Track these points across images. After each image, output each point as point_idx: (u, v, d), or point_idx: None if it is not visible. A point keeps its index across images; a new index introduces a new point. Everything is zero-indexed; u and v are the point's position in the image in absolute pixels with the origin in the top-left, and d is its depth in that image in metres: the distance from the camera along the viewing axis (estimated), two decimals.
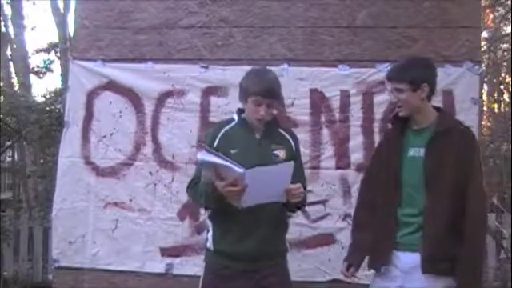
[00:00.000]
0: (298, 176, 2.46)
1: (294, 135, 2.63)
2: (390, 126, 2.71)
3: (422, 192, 2.37)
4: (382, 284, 2.44)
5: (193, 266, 3.43)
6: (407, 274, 2.36)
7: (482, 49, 6.15)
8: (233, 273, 2.42)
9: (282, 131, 2.57)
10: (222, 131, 2.51)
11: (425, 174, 2.36)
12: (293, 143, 2.55)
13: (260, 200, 2.30)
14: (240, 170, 2.18)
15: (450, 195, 2.32)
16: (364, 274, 2.66)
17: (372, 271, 2.54)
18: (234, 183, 2.21)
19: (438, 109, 2.50)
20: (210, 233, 2.52)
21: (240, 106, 2.59)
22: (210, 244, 2.51)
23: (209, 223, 2.54)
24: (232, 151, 2.42)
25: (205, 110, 3.60)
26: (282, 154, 2.46)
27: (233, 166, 2.18)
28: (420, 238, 2.34)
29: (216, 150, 2.38)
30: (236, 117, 2.56)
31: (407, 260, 2.36)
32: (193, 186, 2.50)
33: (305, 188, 2.52)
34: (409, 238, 2.37)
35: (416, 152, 2.41)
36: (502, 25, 8.51)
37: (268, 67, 3.47)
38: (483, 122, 7.75)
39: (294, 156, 2.50)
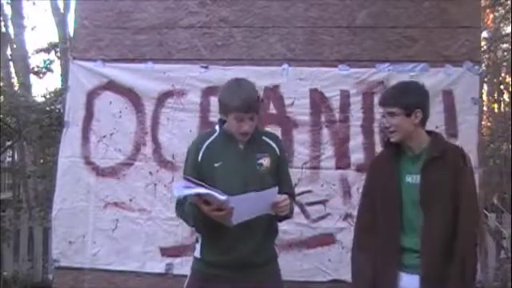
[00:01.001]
0: (284, 181, 2.47)
1: (276, 138, 2.59)
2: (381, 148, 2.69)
3: (419, 218, 2.37)
4: None
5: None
6: None
7: (482, 49, 6.14)
8: (219, 281, 2.40)
9: (264, 138, 2.52)
10: (205, 145, 2.47)
11: (420, 199, 2.36)
12: (277, 148, 2.51)
13: (249, 216, 2.31)
14: (223, 197, 2.18)
15: (445, 220, 2.32)
16: None
17: None
18: (220, 208, 2.21)
19: (430, 133, 2.47)
20: (199, 243, 2.50)
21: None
22: (197, 253, 2.50)
23: (197, 234, 2.52)
24: (216, 164, 2.41)
25: (205, 110, 3.60)
26: (266, 161, 2.43)
27: (215, 195, 2.18)
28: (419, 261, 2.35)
29: (200, 166, 2.40)
30: (218, 128, 2.53)
31: (413, 281, 2.35)
32: (180, 205, 2.45)
33: (291, 194, 2.51)
34: (413, 261, 2.37)
35: (413, 179, 2.39)
36: (502, 25, 8.50)
37: (268, 67, 3.54)
38: (483, 122, 7.73)
39: (279, 161, 2.48)
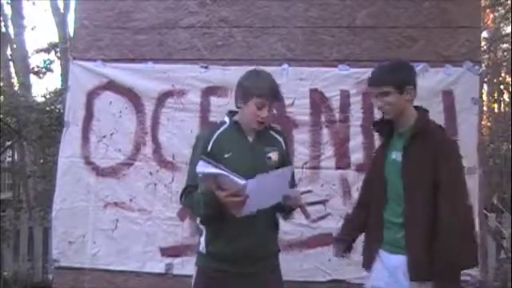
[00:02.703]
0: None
1: (282, 134, 2.60)
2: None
3: (401, 195, 2.38)
4: (373, 283, 2.47)
5: (193, 266, 3.42)
6: (392, 275, 2.37)
7: (482, 49, 6.15)
8: (224, 276, 2.40)
9: (272, 133, 2.54)
10: (215, 136, 2.46)
11: (402, 177, 2.37)
12: (283, 143, 2.53)
13: (258, 207, 2.30)
14: (242, 181, 2.17)
15: (427, 198, 2.30)
16: (364, 274, 2.66)
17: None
18: (236, 193, 2.19)
19: (418, 110, 2.47)
20: (203, 236, 2.49)
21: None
22: (202, 247, 2.49)
23: (202, 227, 2.51)
24: (226, 155, 2.40)
25: (205, 110, 3.60)
26: (274, 156, 2.44)
27: (235, 178, 2.17)
28: (402, 239, 2.35)
29: (209, 155, 2.37)
30: (227, 119, 2.51)
31: (391, 261, 2.38)
32: (187, 194, 2.44)
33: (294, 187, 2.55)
34: (392, 239, 2.39)
35: (397, 155, 2.41)
36: (502, 25, 8.51)
37: (268, 67, 3.53)
38: (483, 122, 7.74)
39: (284, 156, 2.50)
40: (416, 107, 2.46)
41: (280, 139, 2.53)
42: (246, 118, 2.43)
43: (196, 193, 2.35)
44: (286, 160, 2.50)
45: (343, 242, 2.61)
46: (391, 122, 2.47)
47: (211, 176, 2.20)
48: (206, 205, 2.30)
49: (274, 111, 2.48)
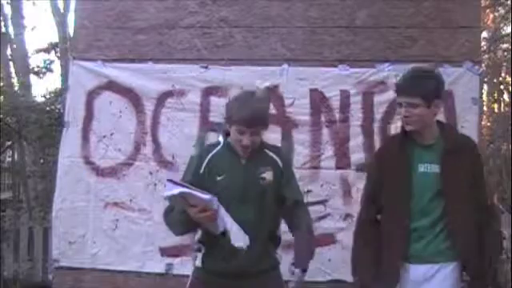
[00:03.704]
0: (291, 190, 2.47)
1: (279, 152, 2.55)
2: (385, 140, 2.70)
3: (434, 204, 2.38)
4: None
5: (193, 266, 3.43)
6: (419, 285, 2.36)
7: (482, 49, 6.15)
8: (220, 284, 2.41)
9: (267, 151, 2.49)
10: (209, 156, 2.45)
11: (443, 188, 2.37)
12: (279, 161, 2.47)
13: (235, 224, 2.31)
14: (206, 196, 2.19)
15: (470, 205, 2.38)
16: None
17: None
18: (205, 209, 2.21)
19: (438, 122, 2.48)
20: (201, 252, 2.49)
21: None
22: (198, 262, 2.50)
23: (200, 244, 2.51)
24: (218, 178, 2.40)
25: (205, 109, 3.60)
26: (269, 175, 2.41)
27: (199, 194, 2.19)
28: (437, 247, 2.37)
29: (202, 176, 2.39)
30: (222, 140, 2.51)
31: (420, 272, 2.37)
32: (168, 213, 2.45)
33: (300, 201, 2.51)
34: (423, 251, 2.38)
35: (428, 168, 2.39)
36: (502, 25, 8.51)
37: (268, 67, 3.54)
38: (483, 122, 7.74)
39: (283, 174, 2.46)
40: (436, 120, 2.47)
41: (276, 158, 2.48)
42: (232, 141, 2.43)
43: (173, 212, 2.37)
44: (285, 177, 2.47)
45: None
46: (406, 134, 2.44)
47: (178, 197, 2.22)
48: (181, 224, 2.35)
49: (258, 136, 2.41)
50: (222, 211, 2.28)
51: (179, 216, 2.32)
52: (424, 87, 2.34)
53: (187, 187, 2.21)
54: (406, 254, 2.39)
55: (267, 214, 2.43)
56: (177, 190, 2.20)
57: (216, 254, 2.41)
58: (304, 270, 2.33)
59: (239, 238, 2.29)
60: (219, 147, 2.49)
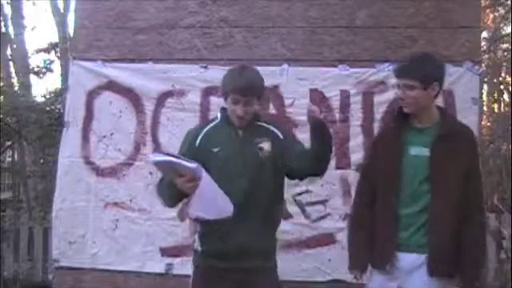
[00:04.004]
0: (299, 148, 2.43)
1: (278, 124, 2.56)
2: (386, 120, 2.67)
3: (423, 191, 2.36)
4: (381, 283, 2.43)
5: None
6: (408, 274, 2.36)
7: (482, 49, 6.14)
8: (219, 273, 2.40)
9: (265, 124, 2.50)
10: (204, 130, 2.48)
11: (431, 173, 2.34)
12: (279, 132, 2.48)
13: (210, 210, 2.27)
14: (193, 165, 2.17)
15: (455, 197, 2.32)
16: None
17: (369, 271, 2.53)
18: (192, 179, 2.19)
19: (439, 108, 2.48)
20: (198, 233, 2.50)
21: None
22: (197, 244, 2.50)
23: (197, 224, 2.50)
24: (214, 149, 2.41)
25: (205, 109, 3.60)
26: (266, 146, 2.41)
27: (185, 163, 2.17)
28: (422, 238, 2.34)
29: (198, 150, 2.40)
30: (219, 115, 2.53)
31: (407, 261, 2.36)
32: (159, 185, 2.46)
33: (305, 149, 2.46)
34: (410, 239, 2.37)
35: (419, 151, 2.38)
36: (502, 25, 8.51)
37: (268, 67, 3.53)
38: (483, 122, 7.74)
39: (283, 144, 2.44)
40: (437, 106, 2.45)
41: (274, 130, 2.48)
42: (229, 113, 2.45)
43: (162, 182, 2.39)
44: (289, 144, 2.45)
45: (363, 269, 2.52)
46: (404, 117, 2.44)
47: (166, 166, 2.21)
48: (170, 197, 2.36)
49: (254, 108, 2.43)
50: (208, 180, 2.23)
51: (168, 189, 2.33)
52: (421, 69, 2.35)
53: (174, 156, 2.22)
54: (395, 241, 2.38)
55: (265, 188, 2.41)
56: (164, 158, 2.20)
57: (213, 233, 2.40)
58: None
59: (224, 210, 2.24)
60: (216, 121, 2.52)
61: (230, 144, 2.42)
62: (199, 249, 2.48)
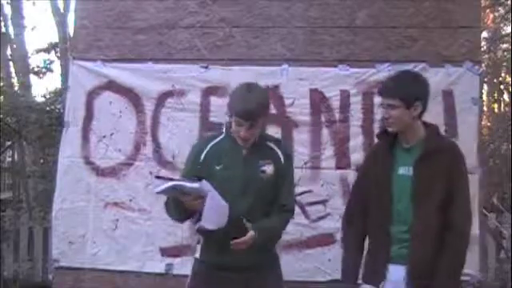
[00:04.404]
0: (282, 193, 2.45)
1: (281, 145, 2.57)
2: (376, 140, 2.69)
3: (410, 210, 2.37)
4: None
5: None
6: (396, 284, 2.36)
7: (482, 49, 6.14)
8: (220, 279, 2.41)
9: (270, 144, 2.51)
10: (209, 146, 2.48)
11: (412, 192, 2.36)
12: (280, 154, 2.49)
13: (217, 222, 2.30)
14: (195, 184, 2.22)
15: (436, 214, 2.33)
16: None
17: None
18: (199, 196, 2.24)
19: (426, 124, 2.47)
20: (201, 243, 2.51)
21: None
22: (198, 253, 2.51)
23: (199, 236, 2.52)
24: (217, 167, 2.42)
25: (205, 109, 3.60)
26: (269, 169, 2.42)
27: (188, 185, 2.22)
28: (407, 253, 2.36)
29: (201, 165, 2.42)
30: (224, 131, 2.53)
31: (397, 272, 2.37)
32: (165, 203, 2.48)
33: (285, 206, 2.49)
34: (401, 252, 2.38)
35: (405, 170, 2.39)
36: (502, 25, 8.51)
37: (268, 67, 3.54)
38: (483, 122, 7.74)
39: (282, 168, 2.46)
40: (425, 123, 2.44)
41: (277, 150, 2.49)
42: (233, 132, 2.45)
43: (168, 202, 2.42)
44: (283, 174, 2.47)
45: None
46: (395, 136, 2.45)
47: (170, 191, 2.25)
48: (179, 213, 2.39)
49: (256, 128, 2.42)
50: (214, 193, 2.26)
51: (174, 207, 2.36)
52: (402, 89, 2.36)
53: (175, 180, 2.25)
54: (386, 257, 2.40)
55: (265, 208, 2.42)
56: (166, 185, 2.22)
57: (211, 246, 2.41)
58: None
59: (211, 220, 2.26)
60: (221, 137, 2.51)
61: (233, 163, 2.42)
62: (198, 257, 2.50)
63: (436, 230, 2.32)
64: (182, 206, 2.31)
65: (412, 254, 2.33)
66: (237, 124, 2.37)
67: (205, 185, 2.24)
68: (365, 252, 2.55)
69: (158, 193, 2.29)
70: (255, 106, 2.35)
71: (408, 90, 2.36)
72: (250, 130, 2.37)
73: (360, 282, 2.51)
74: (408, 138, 2.42)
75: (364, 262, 2.52)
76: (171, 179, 2.26)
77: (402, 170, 2.40)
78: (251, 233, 2.31)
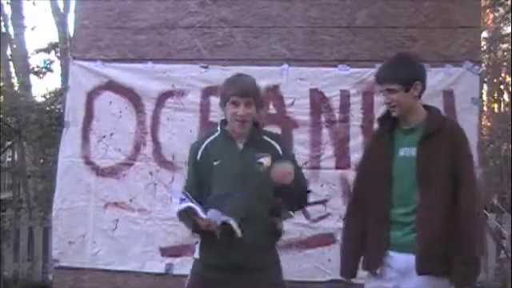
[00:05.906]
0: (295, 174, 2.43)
1: (279, 139, 2.57)
2: (377, 125, 2.69)
3: (414, 191, 2.36)
4: (378, 284, 2.42)
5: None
6: (403, 274, 2.35)
7: (482, 49, 6.15)
8: (220, 283, 2.40)
9: (265, 137, 2.51)
10: (204, 144, 2.49)
11: (417, 173, 2.35)
12: (279, 148, 2.48)
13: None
14: (205, 216, 2.28)
15: (443, 194, 2.31)
16: (363, 274, 2.66)
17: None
18: (208, 225, 2.29)
19: (426, 107, 2.48)
20: (198, 244, 2.51)
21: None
22: (196, 254, 2.51)
23: (197, 235, 2.53)
24: (214, 163, 2.42)
25: (205, 109, 3.60)
26: (266, 161, 2.39)
27: (201, 214, 2.28)
28: (415, 239, 2.33)
29: (199, 163, 2.46)
30: (219, 128, 2.54)
31: (402, 261, 2.35)
32: (179, 212, 2.45)
33: (304, 187, 2.51)
34: (404, 239, 2.36)
35: (407, 152, 2.39)
36: (502, 25, 8.51)
37: (268, 67, 3.54)
38: (483, 122, 7.74)
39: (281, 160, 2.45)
40: (424, 105, 2.45)
41: (275, 144, 2.49)
42: (229, 122, 2.46)
43: (182, 213, 2.39)
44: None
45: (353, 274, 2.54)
46: (394, 119, 2.45)
47: (186, 210, 2.32)
48: (192, 227, 2.41)
49: (252, 109, 2.43)
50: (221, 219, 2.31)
51: (188, 222, 2.40)
52: (399, 72, 2.38)
53: (192, 203, 2.30)
54: (386, 242, 2.39)
55: (265, 203, 2.41)
56: (186, 204, 2.30)
57: (211, 247, 2.41)
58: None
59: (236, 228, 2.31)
60: (216, 134, 2.52)
61: (230, 157, 2.43)
62: (198, 258, 2.50)
63: (444, 211, 2.30)
64: (194, 224, 2.35)
65: (421, 238, 2.30)
66: (233, 105, 2.39)
67: (213, 215, 2.28)
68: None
69: (177, 213, 2.36)
70: (250, 82, 2.45)
71: (405, 72, 2.38)
72: (247, 108, 2.39)
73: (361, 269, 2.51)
74: (409, 119, 2.42)
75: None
76: (191, 200, 2.31)
77: (402, 152, 2.40)
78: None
